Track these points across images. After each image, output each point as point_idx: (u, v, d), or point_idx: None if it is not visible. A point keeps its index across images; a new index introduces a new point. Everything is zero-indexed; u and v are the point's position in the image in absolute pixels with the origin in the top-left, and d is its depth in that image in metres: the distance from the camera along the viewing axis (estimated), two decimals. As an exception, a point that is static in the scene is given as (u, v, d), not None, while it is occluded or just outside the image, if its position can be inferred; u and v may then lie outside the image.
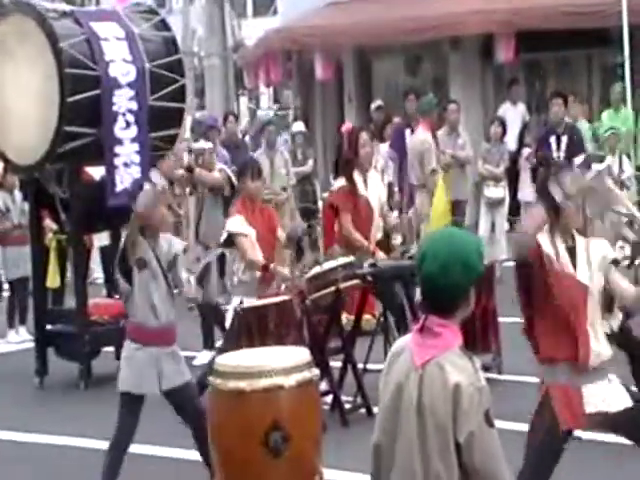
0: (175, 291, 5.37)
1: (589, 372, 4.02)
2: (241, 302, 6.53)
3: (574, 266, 4.08)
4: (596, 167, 6.45)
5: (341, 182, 7.27)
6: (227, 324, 6.61)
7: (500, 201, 11.03)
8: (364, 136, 7.29)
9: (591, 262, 4.11)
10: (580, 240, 4.16)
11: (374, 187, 7.34)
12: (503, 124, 11.22)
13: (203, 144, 9.02)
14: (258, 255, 6.59)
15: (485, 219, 11.12)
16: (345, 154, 7.22)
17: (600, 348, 4.04)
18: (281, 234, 6.79)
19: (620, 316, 5.07)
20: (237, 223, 6.68)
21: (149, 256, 5.22)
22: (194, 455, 5.46)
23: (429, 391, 2.95)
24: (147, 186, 5.27)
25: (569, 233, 4.15)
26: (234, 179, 8.32)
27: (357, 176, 7.22)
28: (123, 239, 5.30)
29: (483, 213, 11.14)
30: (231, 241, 6.73)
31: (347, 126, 7.81)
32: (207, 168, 8.63)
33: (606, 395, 4.03)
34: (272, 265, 6.57)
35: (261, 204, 7.06)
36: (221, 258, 8.70)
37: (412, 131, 10.73)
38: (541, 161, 4.25)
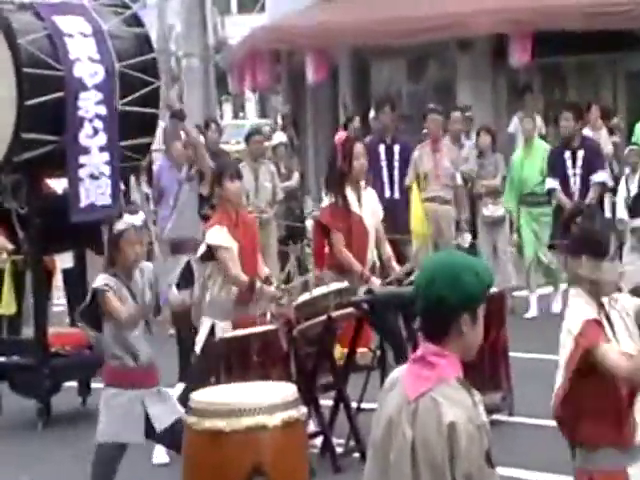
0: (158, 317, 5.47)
1: (633, 452, 4.03)
2: (213, 326, 6.56)
3: (613, 334, 4.02)
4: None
5: (332, 198, 7.30)
6: (197, 350, 6.61)
7: (500, 220, 11.04)
8: (359, 147, 7.32)
9: (630, 329, 4.09)
10: (612, 303, 4.09)
11: (369, 204, 7.37)
12: (490, 131, 11.30)
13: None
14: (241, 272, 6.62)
15: (486, 242, 11.14)
16: (337, 167, 7.24)
17: None
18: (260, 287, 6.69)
19: None
20: (218, 235, 6.67)
21: (122, 295, 5.29)
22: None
23: (423, 428, 2.96)
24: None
25: (600, 299, 4.05)
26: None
27: (350, 192, 7.25)
28: (91, 287, 5.38)
29: (483, 235, 11.18)
30: (210, 255, 6.73)
31: (340, 135, 7.85)
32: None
33: None
34: (259, 284, 6.58)
35: (243, 211, 7.08)
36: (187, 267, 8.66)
37: (386, 146, 10.76)
38: (575, 212, 4.16)
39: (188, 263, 8.25)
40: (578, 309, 4.02)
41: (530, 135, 10.95)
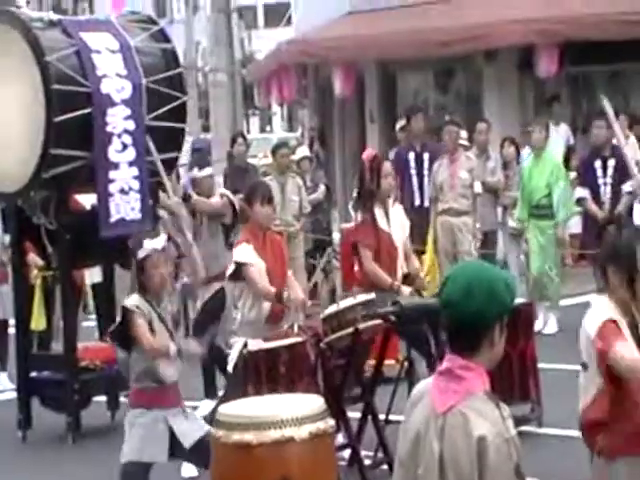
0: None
1: None
2: (245, 344, 6.58)
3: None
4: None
5: (360, 216, 7.35)
6: (230, 368, 6.65)
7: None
8: (387, 166, 7.41)
9: None
10: None
11: (397, 221, 7.42)
12: (514, 142, 11.27)
13: (198, 172, 9.04)
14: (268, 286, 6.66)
15: (514, 254, 11.09)
16: (366, 185, 7.31)
17: None
18: (288, 296, 6.74)
19: None
20: (245, 252, 6.74)
21: (151, 318, 5.34)
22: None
23: (451, 442, 2.95)
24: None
25: (630, 308, 4.06)
26: (237, 205, 8.40)
27: (378, 210, 7.32)
28: (121, 308, 5.43)
29: (510, 247, 11.12)
30: (239, 274, 6.78)
31: (369, 153, 7.89)
32: (205, 195, 8.71)
33: None
34: (285, 293, 6.62)
35: (270, 232, 7.14)
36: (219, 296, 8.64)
37: (416, 154, 10.80)
38: (611, 220, 4.18)
39: (222, 289, 8.28)
40: (597, 312, 4.01)
41: (540, 145, 10.58)
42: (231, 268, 6.86)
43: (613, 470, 3.98)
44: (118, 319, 5.50)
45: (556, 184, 10.28)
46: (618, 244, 4.08)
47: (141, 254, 5.41)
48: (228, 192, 8.94)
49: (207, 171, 9.01)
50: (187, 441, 5.31)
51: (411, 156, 10.86)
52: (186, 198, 8.69)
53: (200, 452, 5.28)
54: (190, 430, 5.33)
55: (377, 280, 7.17)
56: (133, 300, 5.38)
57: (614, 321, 3.98)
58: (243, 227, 7.17)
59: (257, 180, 9.29)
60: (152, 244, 5.45)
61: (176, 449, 5.37)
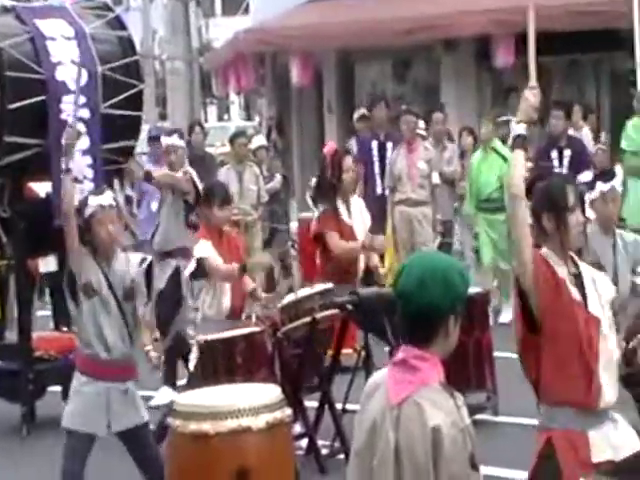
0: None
1: (596, 415, 4.02)
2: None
3: (582, 296, 4.04)
4: (600, 186, 6.49)
5: (322, 208, 7.39)
6: (191, 364, 6.62)
7: None
8: (348, 161, 7.46)
9: (600, 294, 4.10)
10: (584, 266, 4.13)
11: (358, 214, 7.47)
12: (472, 132, 11.27)
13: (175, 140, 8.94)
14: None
15: (469, 244, 11.13)
16: (327, 179, 7.33)
17: (609, 389, 4.04)
18: (251, 262, 6.88)
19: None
20: (205, 248, 6.82)
21: (99, 282, 5.23)
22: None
23: (406, 433, 2.97)
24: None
25: (568, 254, 4.12)
26: (199, 186, 8.36)
27: (340, 202, 7.37)
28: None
29: (466, 237, 11.15)
30: (201, 269, 6.80)
31: (330, 147, 7.91)
32: (176, 167, 8.67)
33: (614, 440, 4.04)
34: (249, 264, 6.64)
35: (227, 231, 7.19)
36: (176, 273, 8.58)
37: (380, 143, 10.80)
38: (534, 178, 4.24)
39: (177, 269, 8.24)
40: None
41: (488, 139, 10.48)
42: (192, 265, 6.90)
43: (556, 416, 4.01)
44: (66, 271, 5.33)
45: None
46: (549, 189, 4.13)
47: (87, 212, 5.25)
48: (192, 170, 8.84)
49: (182, 143, 8.95)
50: (114, 425, 5.21)
51: (374, 145, 10.86)
52: (148, 177, 8.67)
53: (130, 441, 5.22)
54: (122, 415, 5.21)
55: (348, 252, 7.24)
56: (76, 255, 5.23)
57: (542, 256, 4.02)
58: (201, 223, 7.21)
59: (214, 181, 9.23)
60: (97, 200, 5.29)
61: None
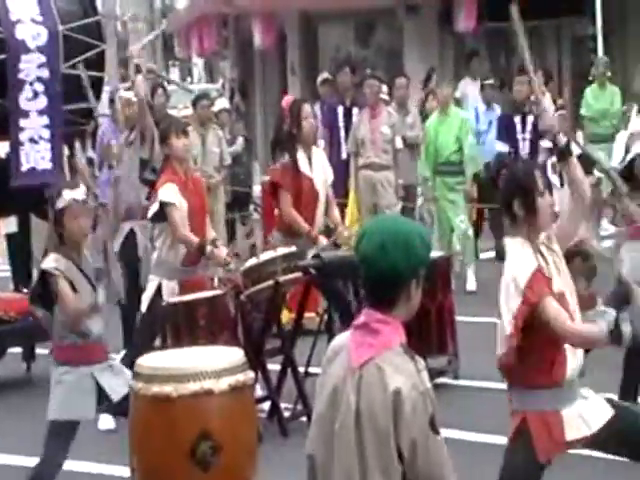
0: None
1: (565, 391, 4.06)
2: (159, 285, 6.54)
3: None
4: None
5: (282, 159, 7.24)
6: (143, 308, 6.58)
7: None
8: (307, 108, 7.27)
9: (561, 270, 4.13)
10: (556, 249, 4.15)
11: (319, 166, 7.34)
12: (436, 96, 11.21)
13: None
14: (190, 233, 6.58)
15: (431, 208, 11.11)
16: (286, 129, 7.20)
17: (575, 362, 4.09)
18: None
19: None
20: (170, 192, 6.62)
21: (72, 275, 5.23)
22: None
23: (367, 396, 2.97)
24: None
25: (538, 234, 4.12)
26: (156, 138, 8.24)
27: (301, 153, 7.21)
28: (40, 267, 5.31)
29: (428, 201, 11.14)
30: (162, 214, 6.67)
31: (288, 98, 7.81)
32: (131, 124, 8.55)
33: (586, 415, 4.08)
34: (209, 248, 6.54)
35: (191, 172, 7.04)
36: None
37: (345, 108, 10.74)
38: (499, 166, 4.28)
39: (132, 231, 8.14)
40: (521, 258, 4.06)
41: (446, 102, 10.44)
42: (154, 208, 6.72)
43: (530, 399, 4.04)
44: (36, 280, 5.37)
45: (465, 138, 10.29)
46: (517, 175, 4.15)
47: (60, 204, 5.30)
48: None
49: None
50: (115, 396, 5.25)
51: (340, 110, 10.80)
52: (146, 181, 8.53)
53: (127, 405, 5.23)
54: (117, 385, 5.27)
55: (294, 226, 7.12)
56: (51, 261, 5.26)
57: (540, 270, 4.04)
58: (164, 166, 7.00)
59: (167, 115, 9.10)
60: (71, 194, 5.33)
61: (102, 403, 5.30)
